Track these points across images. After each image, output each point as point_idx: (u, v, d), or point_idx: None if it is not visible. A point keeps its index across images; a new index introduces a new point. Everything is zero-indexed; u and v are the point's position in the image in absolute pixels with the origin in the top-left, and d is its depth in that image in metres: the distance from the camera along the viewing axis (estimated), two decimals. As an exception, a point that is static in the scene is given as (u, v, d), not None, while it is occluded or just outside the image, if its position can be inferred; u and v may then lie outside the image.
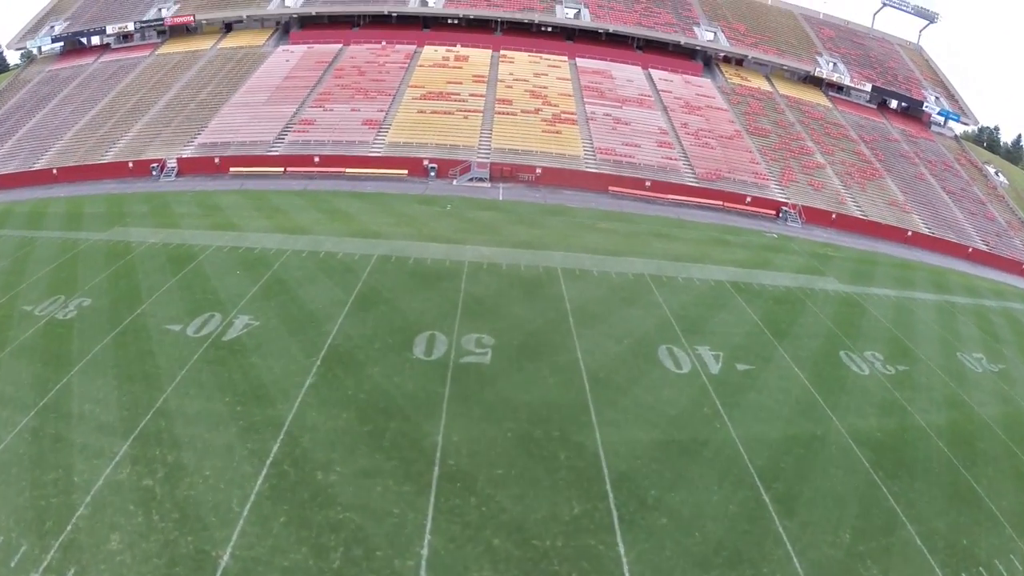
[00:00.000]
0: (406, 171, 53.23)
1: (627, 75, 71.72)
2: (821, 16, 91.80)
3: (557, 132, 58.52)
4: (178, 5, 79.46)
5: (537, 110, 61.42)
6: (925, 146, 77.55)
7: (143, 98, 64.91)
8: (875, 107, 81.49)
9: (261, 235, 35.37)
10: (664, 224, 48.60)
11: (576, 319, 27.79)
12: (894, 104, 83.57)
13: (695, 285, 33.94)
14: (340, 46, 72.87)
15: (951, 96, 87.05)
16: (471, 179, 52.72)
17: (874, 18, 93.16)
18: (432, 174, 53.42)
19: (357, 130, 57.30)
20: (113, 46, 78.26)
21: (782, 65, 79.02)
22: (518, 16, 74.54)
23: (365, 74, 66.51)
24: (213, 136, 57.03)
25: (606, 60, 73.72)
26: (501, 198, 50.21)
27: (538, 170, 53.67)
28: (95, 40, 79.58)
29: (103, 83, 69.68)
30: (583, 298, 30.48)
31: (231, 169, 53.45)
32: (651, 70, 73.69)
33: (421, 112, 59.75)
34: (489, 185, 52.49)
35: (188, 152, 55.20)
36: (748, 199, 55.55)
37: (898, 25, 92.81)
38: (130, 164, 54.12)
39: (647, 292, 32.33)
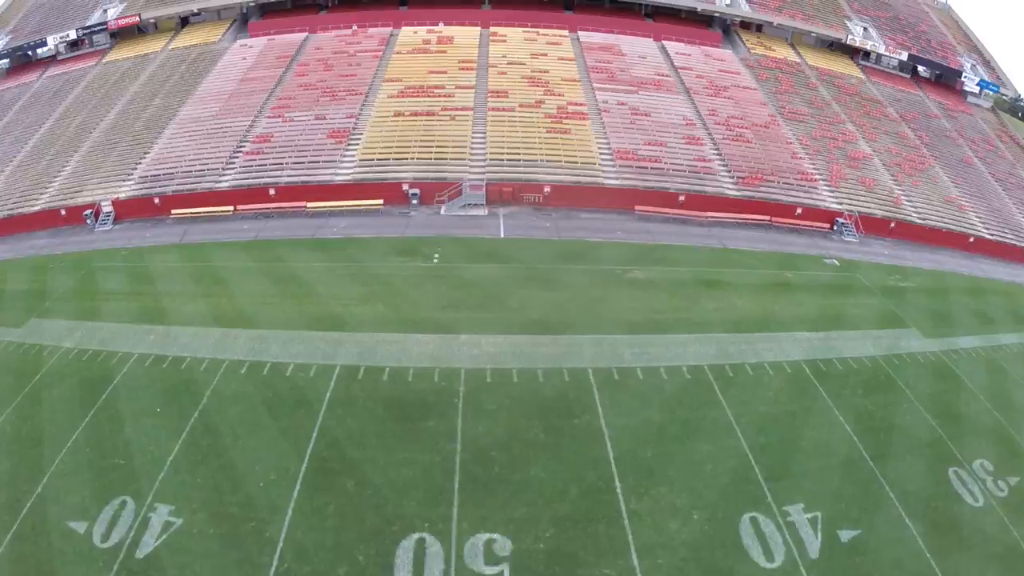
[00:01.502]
0: (381, 200, 38.17)
1: (639, 49, 55.53)
2: (843, -26, 74.64)
3: (565, 131, 43.05)
4: (123, 5, 62.50)
5: (538, 102, 45.75)
6: (965, 121, 61.78)
7: (85, 120, 49.03)
8: (908, 76, 65.28)
9: (193, 332, 25.83)
10: (710, 260, 34.89)
11: (624, 480, 18.82)
12: (924, 70, 67.58)
13: (767, 376, 24.66)
14: (305, 35, 56.32)
15: (987, 63, 70.63)
16: (463, 205, 37.76)
17: (899, -26, 76.10)
18: (415, 201, 38.41)
19: (321, 145, 41.85)
20: (61, 56, 61.35)
21: (812, 32, 62.55)
22: (508, -14, 58.13)
23: (332, 68, 50.47)
24: (156, 166, 41.74)
25: (613, 32, 57.35)
26: (503, 234, 35.37)
27: (546, 188, 38.56)
28: (42, 51, 62.80)
29: (46, 103, 53.41)
30: (629, 431, 20.99)
31: (173, 211, 38.65)
32: (665, 42, 57.38)
33: (399, 115, 44.11)
34: (486, 212, 37.51)
35: (126, 190, 40.16)
36: (798, 211, 40.71)
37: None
38: (63, 212, 39.39)
39: (711, 401, 22.96)
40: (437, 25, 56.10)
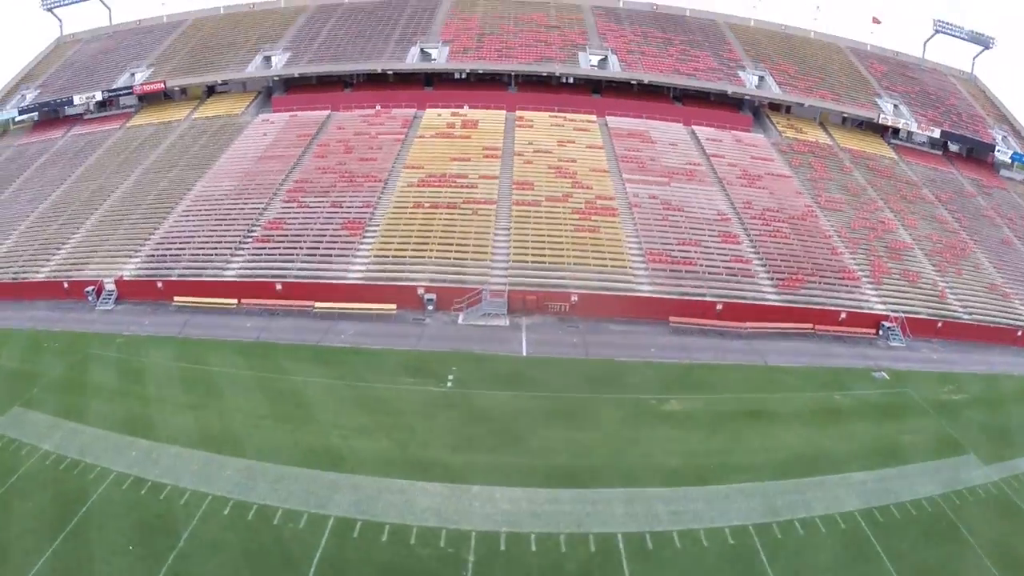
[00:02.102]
0: (395, 305, 34.15)
1: (668, 136, 51.76)
2: (869, 48, 70.78)
3: (593, 229, 38.96)
4: (151, 70, 60.44)
5: (566, 195, 41.81)
6: (1000, 197, 57.14)
7: (102, 185, 46.39)
8: (939, 153, 60.92)
9: (176, 453, 23.01)
10: (752, 383, 30.56)
11: None
12: (954, 145, 63.28)
13: (819, 536, 21.31)
14: (328, 112, 53.32)
15: (1017, 133, 66.37)
16: (483, 315, 33.67)
17: (925, 47, 72.20)
18: (430, 307, 34.37)
19: (336, 236, 38.19)
20: (88, 116, 59.32)
21: (843, 113, 58.63)
22: (535, 68, 54.57)
23: (352, 151, 47.17)
24: (164, 245, 38.64)
25: (642, 117, 53.64)
26: (525, 351, 31.09)
27: (573, 297, 34.32)
28: (70, 110, 60.75)
29: (67, 163, 51.14)
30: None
31: (175, 298, 34.96)
32: (695, 127, 53.49)
33: (418, 205, 40.37)
34: (507, 323, 33.25)
35: (131, 268, 37.02)
36: (842, 316, 35.98)
37: (949, 52, 71.38)
38: (65, 285, 36.24)
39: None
40: (462, 108, 52.83)
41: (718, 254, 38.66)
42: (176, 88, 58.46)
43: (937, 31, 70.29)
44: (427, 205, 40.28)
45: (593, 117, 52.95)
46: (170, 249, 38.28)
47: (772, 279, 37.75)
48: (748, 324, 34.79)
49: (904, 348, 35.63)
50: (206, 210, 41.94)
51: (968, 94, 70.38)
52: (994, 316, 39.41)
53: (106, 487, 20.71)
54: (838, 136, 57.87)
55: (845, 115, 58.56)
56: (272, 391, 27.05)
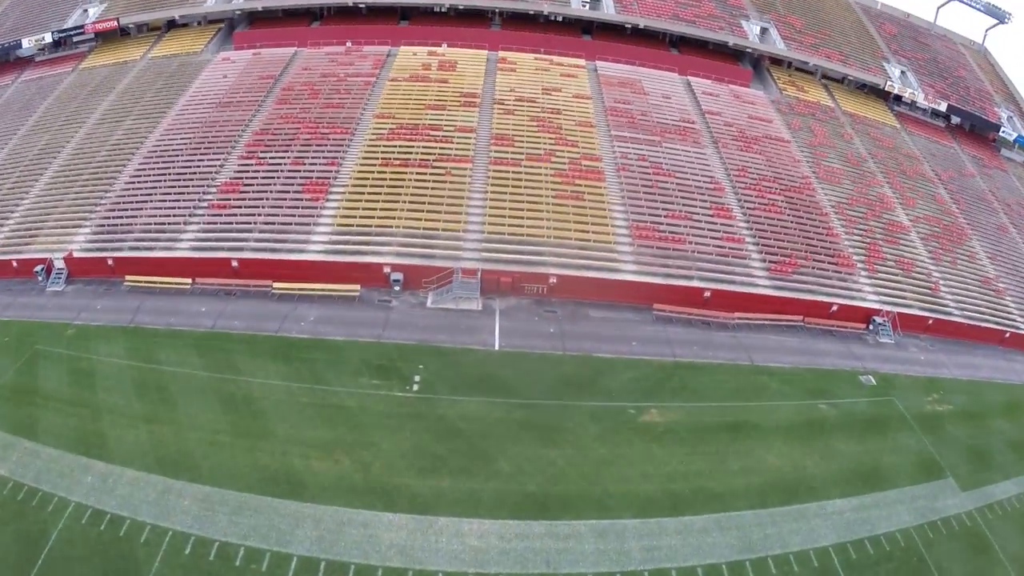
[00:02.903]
0: (358, 287, 29.62)
1: (662, 86, 46.06)
2: (879, 7, 63.90)
3: (577, 196, 34.12)
4: (105, 4, 52.36)
5: (548, 154, 36.67)
6: (999, 180, 52.98)
7: (51, 141, 40.42)
8: (942, 125, 55.75)
9: (133, 478, 20.49)
10: (736, 386, 27.36)
11: None
12: (958, 118, 58.17)
13: None
14: (294, 50, 46.56)
15: (1023, 113, 61.49)
16: (454, 297, 29.33)
17: (937, 12, 65.64)
18: (397, 287, 29.95)
19: (295, 202, 33.12)
20: (39, 59, 51.22)
21: (848, 76, 52.97)
22: (521, 6, 47.83)
23: (319, 95, 41.11)
24: (115, 212, 33.51)
25: (634, 64, 47.60)
26: (498, 344, 27.16)
27: (552, 278, 30.08)
28: (21, 53, 52.39)
29: (15, 115, 44.47)
30: None
31: (127, 278, 30.36)
32: (691, 78, 47.69)
33: (387, 163, 35.08)
34: (480, 307, 29.02)
35: (81, 241, 31.97)
36: (834, 307, 32.43)
37: (961, 20, 64.82)
38: (14, 263, 31.18)
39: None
40: (440, 46, 46.32)
41: (709, 230, 34.26)
42: (130, 26, 50.88)
43: None
44: (396, 163, 35.02)
45: (582, 62, 46.82)
46: (121, 217, 33.16)
47: (764, 262, 33.65)
48: (736, 315, 30.99)
49: (893, 346, 32.75)
50: (159, 169, 36.30)
51: (977, 67, 64.54)
52: (984, 314, 36.44)
53: (66, 522, 18.80)
54: (841, 98, 52.44)
55: (850, 78, 52.96)
56: (228, 397, 23.69)
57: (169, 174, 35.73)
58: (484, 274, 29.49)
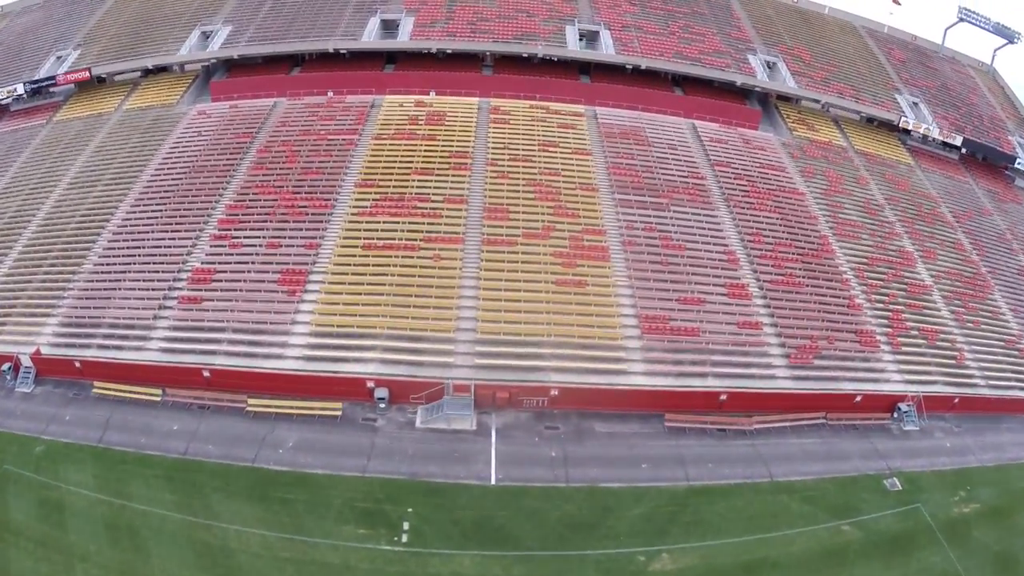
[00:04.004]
0: (340, 407, 25.28)
1: (667, 135, 41.06)
2: (886, 31, 58.69)
3: (580, 282, 29.48)
4: (79, 51, 47.48)
5: (547, 228, 31.98)
6: (1015, 215, 48.24)
7: (22, 207, 36.24)
8: (955, 158, 50.76)
9: None
10: (753, 514, 23.42)
11: None
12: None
13: None
14: (273, 100, 41.61)
15: (1035, 140, 56.73)
16: (445, 417, 24.99)
17: (945, 34, 60.46)
18: (382, 404, 25.65)
19: (270, 295, 28.76)
20: (14, 108, 46.43)
21: (862, 113, 48.12)
22: (514, 48, 42.71)
23: (297, 157, 36.31)
24: (81, 304, 29.40)
25: (637, 108, 42.64)
26: (494, 476, 23.23)
27: (553, 390, 25.77)
28: None
29: None
30: None
31: (95, 385, 26.61)
32: (697, 121, 42.84)
33: (369, 246, 30.50)
34: (474, 426, 24.71)
35: (48, 335, 28.23)
36: (858, 398, 28.35)
37: (969, 41, 59.56)
38: None
39: None
40: (428, 94, 41.32)
41: (724, 314, 29.82)
42: (102, 76, 45.96)
43: (961, 19, 58.57)
44: (380, 245, 30.49)
45: (581, 108, 41.88)
46: (88, 309, 29.10)
47: (784, 348, 29.28)
48: (757, 421, 26.70)
49: (918, 433, 28.97)
50: (128, 248, 32.12)
51: (987, 90, 59.49)
52: (1009, 381, 32.37)
53: None
54: (852, 133, 47.58)
55: (863, 115, 48.14)
56: (204, 548, 20.44)
57: (138, 256, 31.49)
58: (478, 388, 25.14)
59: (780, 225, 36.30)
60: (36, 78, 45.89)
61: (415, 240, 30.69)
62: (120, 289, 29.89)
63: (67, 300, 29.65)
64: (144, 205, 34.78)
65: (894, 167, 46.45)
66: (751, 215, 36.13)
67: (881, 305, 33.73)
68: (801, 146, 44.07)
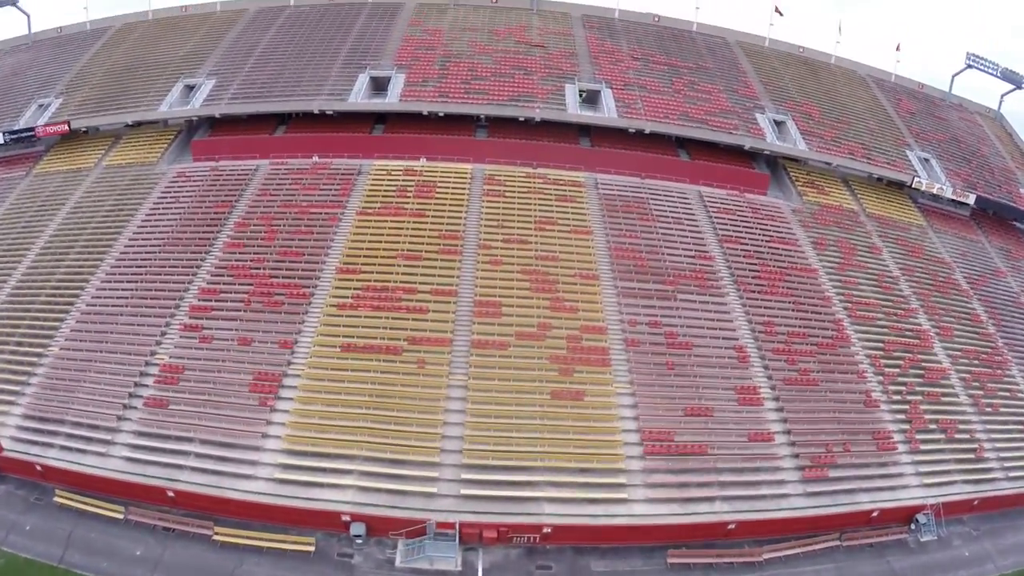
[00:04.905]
0: (312, 543, 22.62)
1: (673, 207, 38.40)
2: (893, 79, 56.68)
3: (577, 394, 26.89)
4: (60, 100, 45.45)
5: (543, 326, 29.30)
6: None
7: None
8: (967, 215, 48.47)
9: None
10: None
11: None
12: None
13: None
14: (256, 163, 39.13)
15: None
16: (427, 559, 22.37)
17: (952, 80, 58.73)
18: (359, 540, 23.03)
19: (242, 402, 26.21)
20: None
21: (872, 175, 45.64)
22: (510, 112, 40.19)
23: (276, 234, 33.78)
24: (45, 393, 27.12)
25: (640, 175, 40.19)
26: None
27: (546, 528, 23.17)
28: None
29: None
30: None
31: (57, 492, 24.46)
32: (703, 188, 40.36)
33: (348, 347, 27.99)
34: (458, 567, 22.07)
35: (12, 427, 26.13)
36: (875, 512, 26.04)
37: (975, 86, 57.55)
38: None
39: None
40: (418, 160, 38.82)
41: (734, 427, 27.24)
42: (81, 130, 43.63)
43: (969, 66, 56.94)
44: (360, 346, 27.94)
45: (581, 175, 39.37)
46: (51, 403, 26.73)
47: (798, 460, 26.76)
48: (768, 550, 24.09)
49: (935, 544, 26.74)
50: (95, 333, 29.79)
51: (995, 137, 57.49)
52: None
53: None
54: (863, 195, 45.08)
55: (876, 176, 45.71)
56: None
57: (106, 342, 29.18)
58: (463, 525, 22.55)
59: (793, 311, 33.80)
60: (15, 128, 43.96)
61: (398, 341, 28.08)
62: (85, 382, 27.50)
63: (32, 388, 27.51)
64: (115, 281, 32.50)
65: (906, 230, 44.09)
66: (762, 300, 33.61)
67: (899, 397, 31.35)
68: (812, 212, 41.61)
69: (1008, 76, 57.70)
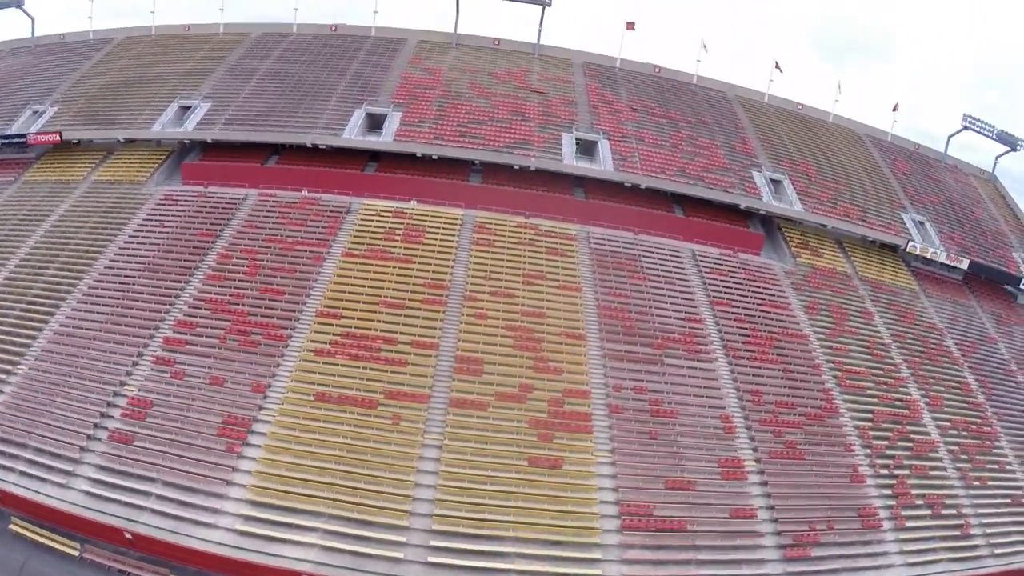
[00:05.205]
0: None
1: (665, 266, 38.27)
2: (890, 139, 57.62)
3: (554, 463, 25.97)
4: (56, 108, 45.46)
5: (524, 387, 28.72)
6: (1019, 339, 46.16)
7: None
8: (959, 279, 48.62)
9: None
10: None
11: None
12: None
13: None
14: (245, 192, 38.88)
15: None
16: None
17: (948, 141, 59.73)
18: (313, 608, 22.20)
19: (208, 445, 25.40)
20: None
21: (869, 237, 45.89)
22: (506, 158, 40.11)
23: (258, 269, 33.30)
24: (6, 420, 26.20)
25: (633, 230, 40.19)
26: None
27: (514, 609, 22.42)
28: None
29: None
30: None
31: (12, 521, 23.59)
32: (697, 246, 40.37)
33: (322, 397, 27.14)
34: (418, 651, 21.43)
35: None
36: None
37: (971, 141, 59.22)
38: None
39: None
40: (408, 202, 38.60)
41: (715, 501, 26.60)
42: (72, 141, 43.37)
43: (965, 127, 57.93)
44: (335, 396, 27.29)
45: (573, 228, 39.23)
46: (15, 425, 25.88)
47: (780, 540, 26.06)
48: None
49: None
50: (66, 356, 29.06)
51: (989, 199, 58.35)
52: (1015, 546, 29.72)
53: None
54: (856, 258, 45.19)
55: (870, 239, 45.97)
56: None
57: (76, 368, 28.44)
58: (429, 605, 21.79)
59: (782, 379, 33.44)
60: (7, 133, 44.00)
61: (374, 393, 27.44)
62: (52, 407, 26.69)
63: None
64: (92, 303, 31.94)
65: (899, 295, 44.15)
66: (751, 368, 33.25)
67: (886, 472, 30.87)
68: (805, 275, 41.58)
69: (1004, 138, 58.67)
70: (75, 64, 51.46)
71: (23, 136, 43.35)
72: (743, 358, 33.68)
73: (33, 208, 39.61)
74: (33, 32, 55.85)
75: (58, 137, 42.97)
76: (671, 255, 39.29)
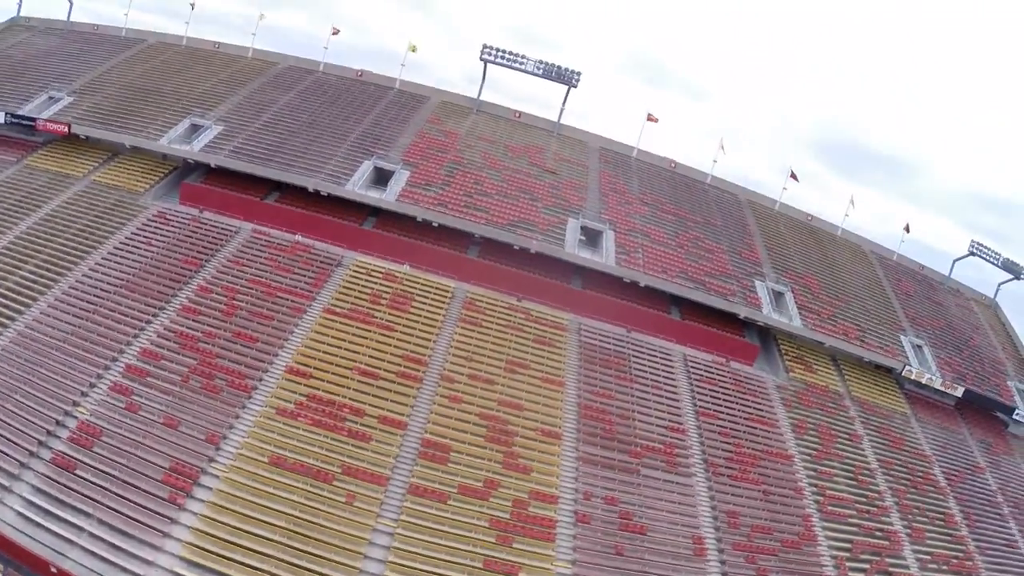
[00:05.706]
0: None
1: (655, 369, 37.73)
2: (895, 258, 58.51)
3: (512, 569, 24.56)
4: (72, 98, 45.91)
5: (490, 484, 27.53)
6: (1007, 468, 45.54)
7: None
8: (952, 404, 48.27)
9: None
10: None
11: None
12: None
13: None
14: (239, 224, 38.78)
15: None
16: None
17: (953, 265, 60.88)
18: None
19: (152, 491, 24.07)
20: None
21: (864, 359, 45.73)
22: (505, 237, 40.05)
23: (235, 311, 32.67)
24: None
25: (627, 327, 39.82)
26: None
27: None
28: None
29: None
30: None
31: None
32: (689, 350, 40.10)
33: (277, 462, 25.88)
34: None
35: None
36: None
37: (973, 262, 60.90)
38: None
39: None
40: (402, 265, 38.34)
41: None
42: (79, 136, 43.32)
43: (972, 253, 58.95)
44: (290, 463, 26.17)
45: (565, 317, 38.81)
46: None
47: None
48: None
49: None
50: (25, 362, 27.97)
51: (989, 326, 58.84)
52: None
53: None
54: (850, 377, 44.76)
55: (866, 360, 45.82)
56: None
57: (33, 377, 27.34)
58: None
59: (761, 502, 32.43)
60: (18, 112, 43.96)
61: (332, 467, 26.34)
62: (1, 414, 25.39)
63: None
64: (63, 309, 31.19)
65: (890, 418, 43.61)
66: (731, 487, 32.29)
67: (863, 617, 29.67)
68: (796, 392, 41.12)
69: (1008, 267, 59.53)
70: (101, 58, 52.08)
71: (33, 120, 43.45)
72: (723, 475, 32.76)
73: (28, 194, 39.48)
74: (69, 15, 56.91)
75: (67, 129, 42.96)
76: (662, 357, 38.86)
